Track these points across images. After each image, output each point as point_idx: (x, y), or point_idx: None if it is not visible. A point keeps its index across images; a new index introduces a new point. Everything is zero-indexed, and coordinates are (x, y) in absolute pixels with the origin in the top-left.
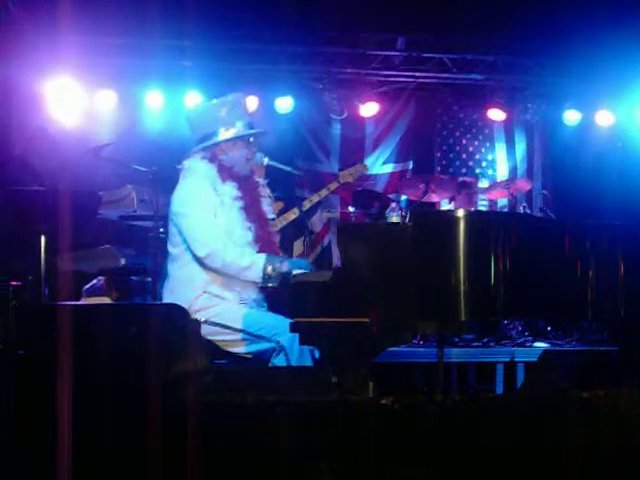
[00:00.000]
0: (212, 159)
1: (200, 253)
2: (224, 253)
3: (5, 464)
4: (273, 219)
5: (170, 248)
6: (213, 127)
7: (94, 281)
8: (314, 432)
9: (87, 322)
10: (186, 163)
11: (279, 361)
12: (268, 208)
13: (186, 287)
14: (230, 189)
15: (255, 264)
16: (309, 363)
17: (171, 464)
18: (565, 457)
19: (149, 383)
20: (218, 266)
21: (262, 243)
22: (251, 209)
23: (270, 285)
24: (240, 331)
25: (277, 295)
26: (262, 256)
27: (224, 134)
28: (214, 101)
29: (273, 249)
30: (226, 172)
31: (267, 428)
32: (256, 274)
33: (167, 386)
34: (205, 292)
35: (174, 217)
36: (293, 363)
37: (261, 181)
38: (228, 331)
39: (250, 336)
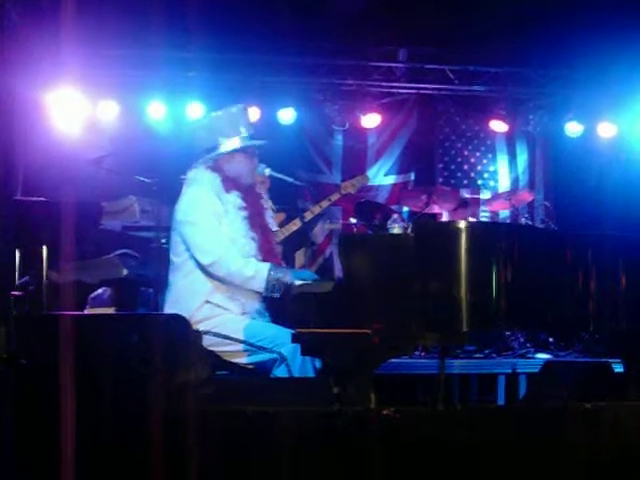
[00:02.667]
0: (216, 169)
1: (204, 261)
2: (228, 262)
3: (8, 476)
4: (276, 231)
5: (173, 257)
6: (215, 140)
7: (99, 291)
8: (315, 442)
9: (89, 332)
10: (190, 174)
11: (280, 372)
12: (271, 220)
13: (189, 296)
14: (234, 199)
15: (259, 274)
16: (311, 374)
17: (173, 474)
18: (567, 468)
19: (150, 393)
20: (222, 275)
21: (265, 253)
22: (255, 219)
23: (273, 295)
24: (241, 342)
25: (279, 306)
26: (266, 266)
27: (225, 146)
28: (216, 113)
29: (276, 260)
30: (230, 182)
31: (269, 438)
32: (260, 284)
33: (168, 396)
34: (208, 302)
35: (178, 226)
36: (295, 374)
37: (263, 193)
38: (230, 342)
39: (251, 347)
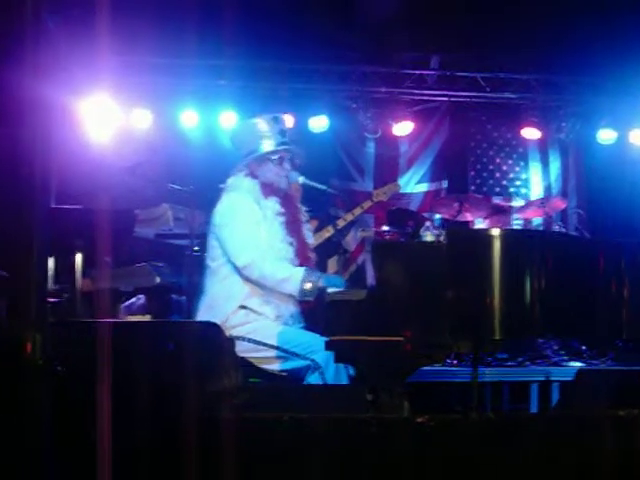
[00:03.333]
0: (253, 176)
1: (239, 263)
2: (263, 264)
3: None
4: (314, 230)
5: (209, 262)
6: (246, 146)
7: (132, 299)
8: (349, 450)
9: (123, 339)
10: (229, 180)
11: (314, 379)
12: (308, 233)
13: (224, 301)
14: (273, 204)
15: (293, 277)
16: (345, 381)
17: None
18: (600, 476)
19: (185, 400)
20: (256, 277)
21: (301, 260)
22: (293, 226)
23: (307, 299)
24: (275, 348)
25: (313, 312)
26: (300, 269)
27: (253, 153)
28: (251, 120)
29: (310, 266)
30: (268, 188)
31: (302, 446)
32: (294, 287)
33: (202, 404)
34: (243, 306)
35: (215, 229)
36: (329, 381)
37: (300, 207)
38: (263, 348)
39: (285, 353)
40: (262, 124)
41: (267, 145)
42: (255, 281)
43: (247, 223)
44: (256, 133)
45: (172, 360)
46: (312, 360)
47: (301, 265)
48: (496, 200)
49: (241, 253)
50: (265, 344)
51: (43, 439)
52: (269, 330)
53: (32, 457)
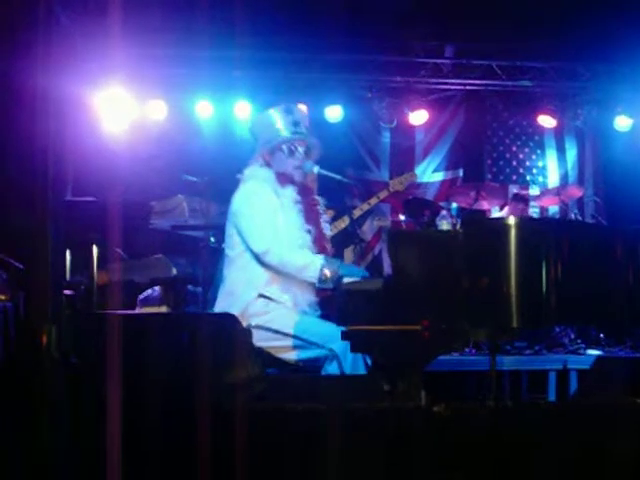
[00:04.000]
0: (268, 165)
1: (258, 249)
2: (281, 250)
3: (60, 472)
4: (330, 219)
5: (228, 251)
6: (262, 137)
7: (149, 291)
8: (367, 439)
9: (139, 331)
10: (246, 171)
11: (332, 369)
12: (325, 224)
13: (244, 288)
14: (290, 192)
15: (313, 264)
16: (362, 371)
17: (222, 472)
18: (620, 463)
19: (200, 392)
20: (276, 263)
21: (319, 249)
22: (310, 215)
23: (326, 286)
24: (292, 337)
25: (331, 301)
26: (320, 257)
27: (267, 143)
28: (265, 112)
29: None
30: (284, 178)
31: (319, 436)
32: (313, 273)
33: (219, 395)
34: (262, 295)
35: (233, 217)
36: (346, 371)
37: (317, 198)
38: (280, 336)
39: (303, 342)
40: (275, 115)
41: (279, 135)
42: (275, 267)
43: (265, 210)
44: (269, 124)
45: (188, 352)
46: (330, 349)
47: (320, 253)
48: (512, 188)
49: (260, 239)
50: (283, 333)
51: (58, 429)
52: (287, 319)
53: (47, 447)
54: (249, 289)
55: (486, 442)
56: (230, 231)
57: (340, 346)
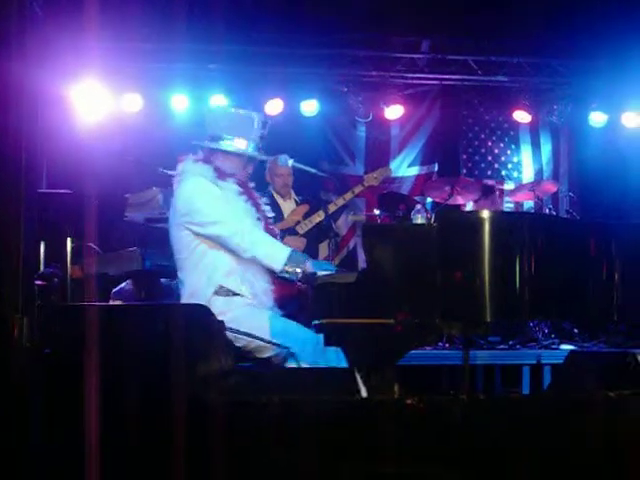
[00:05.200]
0: (207, 161)
1: (226, 232)
2: (251, 231)
3: (33, 463)
4: (299, 223)
5: (177, 255)
6: (219, 131)
7: (122, 284)
8: (339, 432)
9: (112, 322)
10: (180, 166)
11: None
12: (267, 207)
13: (202, 285)
14: (231, 185)
15: (283, 251)
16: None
17: (196, 464)
18: (591, 457)
19: (174, 383)
20: (244, 244)
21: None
22: (254, 206)
23: (289, 277)
24: (253, 337)
25: (293, 300)
26: (288, 247)
27: (225, 143)
28: (236, 110)
29: None
30: (223, 172)
31: (292, 428)
32: (280, 261)
33: (192, 386)
34: (222, 287)
35: (184, 218)
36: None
37: (289, 185)
38: (241, 336)
39: (263, 342)
40: (248, 118)
41: (243, 143)
42: (242, 250)
43: (219, 198)
44: (235, 124)
45: (161, 343)
46: (287, 348)
47: None
48: (487, 183)
49: (226, 223)
50: (245, 333)
51: (31, 422)
52: (252, 318)
53: (21, 439)
54: (208, 284)
55: (459, 435)
56: (179, 234)
57: (299, 346)
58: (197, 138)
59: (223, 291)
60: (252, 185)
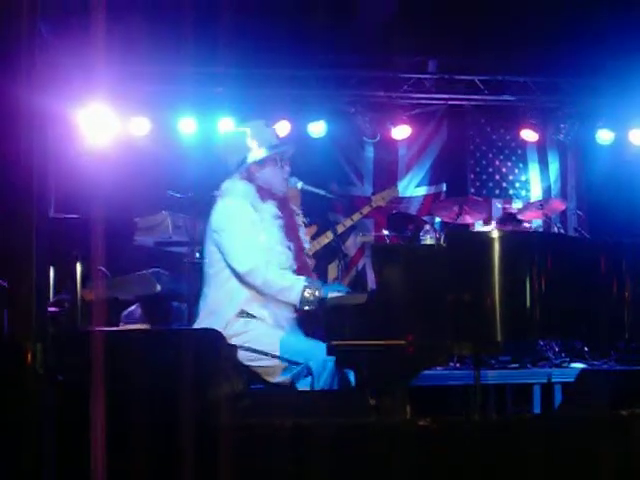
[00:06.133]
0: (250, 179)
1: (241, 269)
2: (266, 270)
3: None
4: (309, 247)
5: (207, 269)
6: (242, 152)
7: (132, 308)
8: (352, 454)
9: (124, 348)
10: (224, 185)
11: (303, 384)
12: (304, 237)
13: (224, 306)
14: (270, 207)
15: (295, 286)
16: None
17: None
18: (604, 475)
19: (184, 409)
20: (259, 283)
21: (299, 264)
22: (290, 230)
23: (307, 308)
24: (272, 356)
25: (312, 319)
26: (302, 279)
27: (252, 156)
28: (242, 127)
29: (308, 272)
30: (265, 192)
31: (306, 451)
32: (295, 296)
33: (203, 411)
34: (243, 311)
35: (214, 234)
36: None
37: (296, 209)
38: (260, 356)
39: (284, 361)
40: (265, 128)
41: (265, 149)
42: (257, 288)
43: (246, 227)
44: (261, 135)
45: (172, 368)
46: (306, 366)
47: (299, 269)
48: (497, 203)
49: (244, 258)
50: (263, 352)
51: (43, 448)
52: (267, 337)
53: (32, 465)
54: (230, 306)
55: (472, 455)
56: (210, 248)
57: (317, 364)
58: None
59: (244, 314)
60: (297, 212)
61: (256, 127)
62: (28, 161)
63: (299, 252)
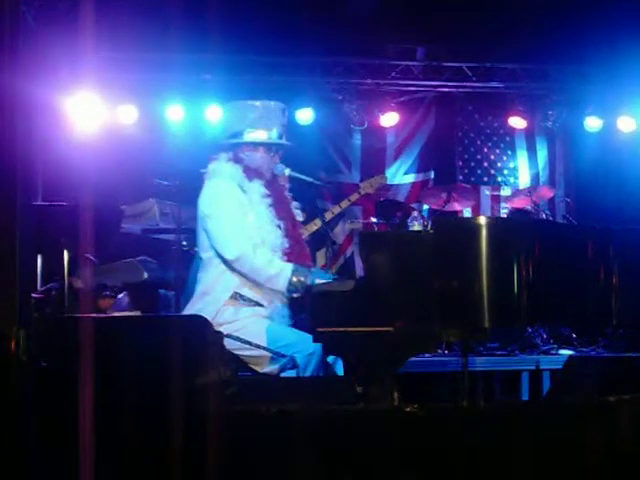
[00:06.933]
0: (236, 160)
1: (229, 256)
2: (253, 257)
3: (30, 476)
4: (302, 222)
5: (201, 254)
6: (240, 126)
7: (119, 296)
8: (339, 441)
9: (108, 334)
10: (211, 166)
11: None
12: (297, 211)
13: (217, 288)
14: (258, 187)
15: (282, 273)
16: None
17: (194, 475)
18: (591, 461)
19: (172, 395)
20: (246, 270)
21: (292, 241)
22: (280, 207)
23: (294, 295)
24: (262, 348)
25: (300, 305)
26: (289, 266)
27: (250, 136)
28: (252, 102)
29: (302, 248)
30: (252, 172)
31: (292, 438)
32: (282, 283)
33: (190, 397)
34: (236, 293)
35: (201, 220)
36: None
37: (285, 184)
38: (248, 346)
39: (271, 353)
40: (267, 110)
41: (266, 134)
42: (245, 274)
43: (234, 211)
44: (258, 115)
45: (159, 354)
46: (292, 358)
47: (292, 248)
48: (485, 190)
49: (231, 245)
50: (251, 343)
51: (27, 433)
52: (257, 328)
53: (15, 452)
54: (223, 290)
55: (460, 442)
56: (201, 234)
57: (303, 357)
58: (196, 149)
59: (237, 296)
60: (287, 185)
61: (268, 108)
62: (12, 148)
63: (292, 229)
